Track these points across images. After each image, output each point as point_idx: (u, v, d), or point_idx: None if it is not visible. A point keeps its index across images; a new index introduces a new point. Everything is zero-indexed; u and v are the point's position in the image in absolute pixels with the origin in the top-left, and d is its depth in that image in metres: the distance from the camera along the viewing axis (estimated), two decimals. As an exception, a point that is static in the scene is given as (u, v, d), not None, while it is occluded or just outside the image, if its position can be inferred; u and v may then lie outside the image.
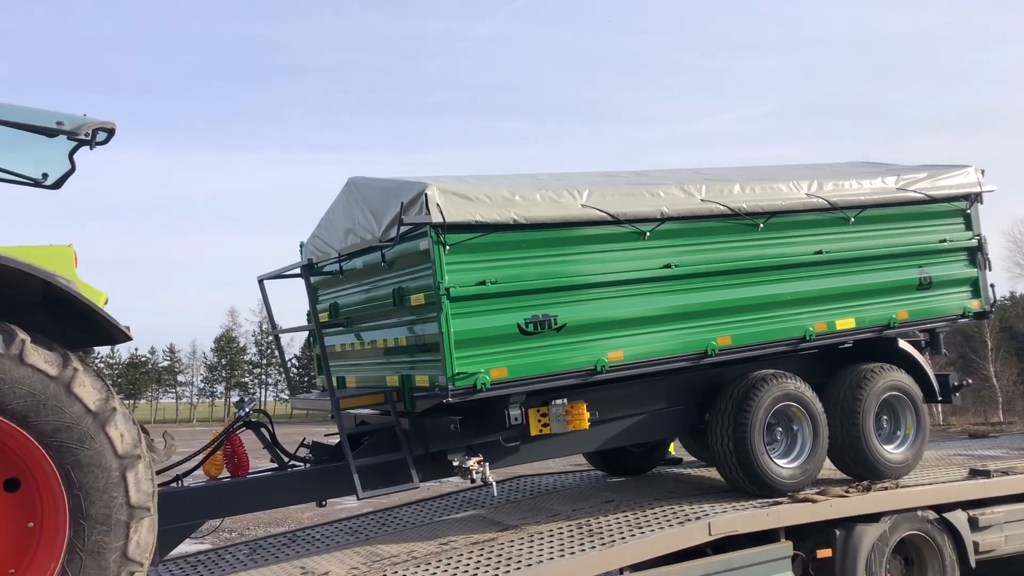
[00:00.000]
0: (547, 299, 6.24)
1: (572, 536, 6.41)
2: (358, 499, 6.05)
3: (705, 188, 6.95)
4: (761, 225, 7.13)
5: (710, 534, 6.38)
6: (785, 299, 7.20)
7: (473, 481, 6.39)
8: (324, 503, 6.51)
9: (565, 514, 7.15)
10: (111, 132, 5.79)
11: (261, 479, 6.29)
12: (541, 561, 5.87)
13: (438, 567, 6.01)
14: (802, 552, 6.78)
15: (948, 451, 9.67)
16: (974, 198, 8.21)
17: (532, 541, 6.37)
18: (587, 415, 6.55)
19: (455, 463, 6.38)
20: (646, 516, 6.72)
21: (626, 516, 6.81)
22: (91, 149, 5.90)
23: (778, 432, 7.24)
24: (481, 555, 6.16)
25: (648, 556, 6.17)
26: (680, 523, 6.45)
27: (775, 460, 7.06)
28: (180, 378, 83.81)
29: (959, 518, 7.38)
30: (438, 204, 5.82)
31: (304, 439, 6.65)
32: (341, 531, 7.69)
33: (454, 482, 14.58)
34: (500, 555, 6.10)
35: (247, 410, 6.30)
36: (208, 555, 7.39)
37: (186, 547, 8.83)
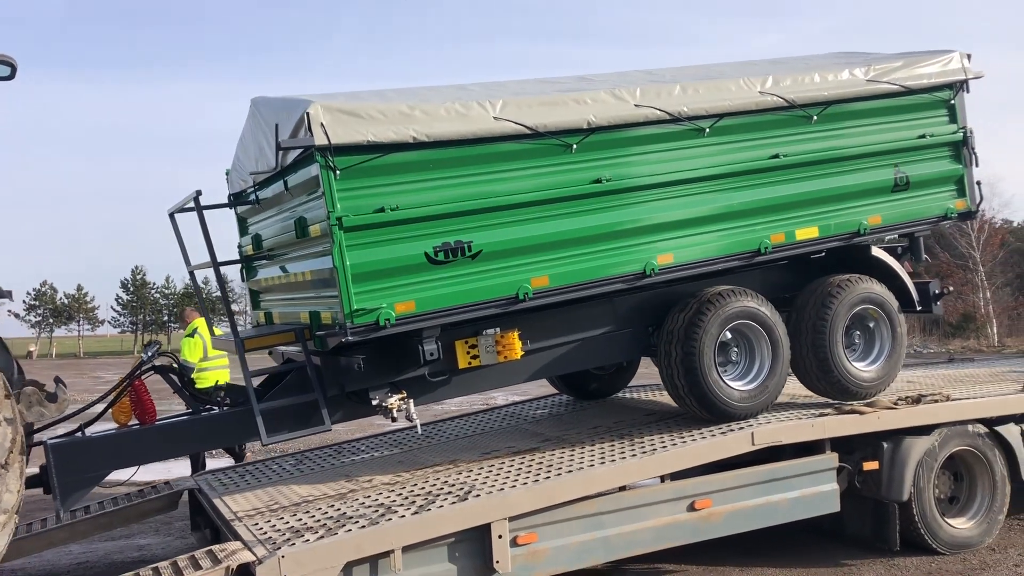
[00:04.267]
0: (459, 224, 5.72)
1: (613, 446, 6.38)
2: (263, 444, 5.73)
3: (640, 92, 6.28)
4: (707, 129, 6.47)
5: (753, 444, 6.26)
6: (736, 210, 6.58)
7: (394, 420, 6.02)
8: (241, 448, 6.21)
9: (607, 426, 7.14)
10: (12, 67, 5.46)
11: (169, 425, 6.01)
12: (581, 468, 5.85)
13: (479, 474, 6.04)
14: (848, 464, 6.63)
15: (1002, 368, 9.26)
16: (959, 87, 7.39)
17: (572, 450, 6.38)
18: (519, 344, 6.11)
19: (375, 401, 6.01)
20: (688, 428, 6.57)
21: (668, 427, 6.73)
22: None
23: (733, 353, 6.74)
24: (522, 463, 6.19)
25: (688, 464, 6.13)
26: (723, 433, 6.34)
27: (729, 383, 6.57)
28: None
29: (1011, 432, 7.11)
30: (323, 124, 5.28)
31: (216, 382, 6.32)
32: (385, 443, 7.74)
33: (497, 398, 14.56)
34: (541, 463, 6.13)
35: (150, 354, 5.97)
36: (256, 465, 7.40)
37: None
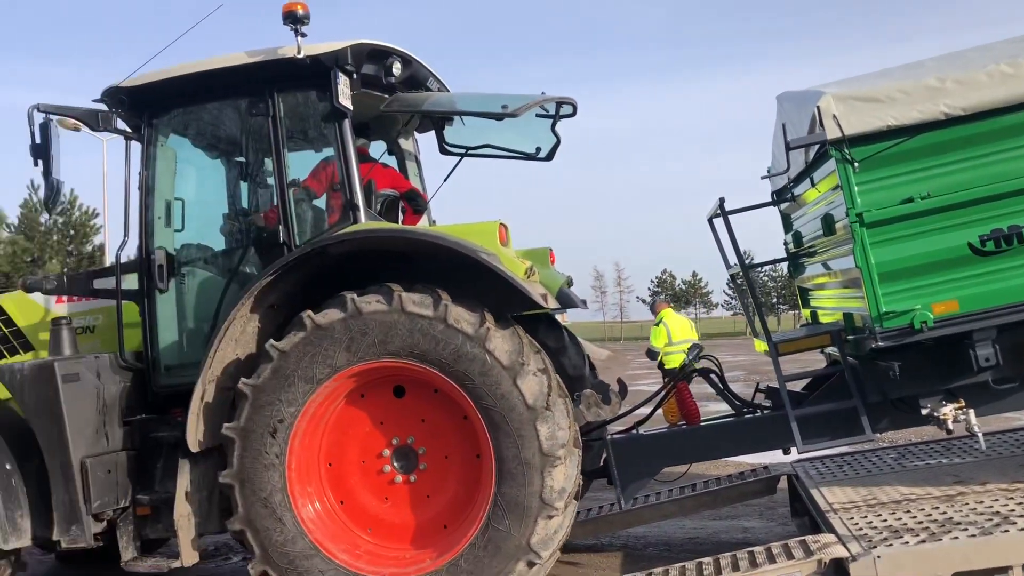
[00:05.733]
0: (1013, 206, 4.82)
1: None
2: (798, 452, 5.57)
3: None
4: None
5: None
6: None
7: (949, 432, 5.35)
8: (788, 451, 6.11)
9: None
10: (574, 106, 6.26)
11: (714, 427, 6.19)
12: None
13: None
14: None
15: None
16: None
17: None
18: None
19: (926, 411, 5.41)
20: None
21: None
22: (555, 123, 6.45)
23: None
24: None
25: None
26: None
27: None
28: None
29: None
30: (835, 115, 4.91)
31: (758, 383, 6.31)
32: (1004, 443, 6.96)
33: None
34: None
35: (691, 357, 6.24)
36: (855, 456, 7.39)
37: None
